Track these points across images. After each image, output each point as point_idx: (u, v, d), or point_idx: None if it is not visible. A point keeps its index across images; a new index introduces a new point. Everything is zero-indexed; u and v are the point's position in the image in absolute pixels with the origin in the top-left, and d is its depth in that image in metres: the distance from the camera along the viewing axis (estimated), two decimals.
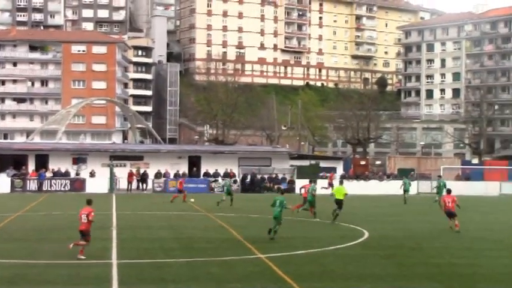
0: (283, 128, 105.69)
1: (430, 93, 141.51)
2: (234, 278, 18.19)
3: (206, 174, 61.98)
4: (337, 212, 32.62)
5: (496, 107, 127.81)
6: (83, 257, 20.67)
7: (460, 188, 54.40)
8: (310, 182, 37.13)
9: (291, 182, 61.91)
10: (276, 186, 56.75)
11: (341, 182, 39.04)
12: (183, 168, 62.79)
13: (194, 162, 64.16)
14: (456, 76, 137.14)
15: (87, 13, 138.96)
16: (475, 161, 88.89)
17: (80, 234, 21.26)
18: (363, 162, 72.91)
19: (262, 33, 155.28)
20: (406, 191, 50.49)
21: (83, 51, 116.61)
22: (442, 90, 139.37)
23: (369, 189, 60.90)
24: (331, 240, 25.69)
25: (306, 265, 20.13)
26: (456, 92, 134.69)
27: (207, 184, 60.33)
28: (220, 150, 69.57)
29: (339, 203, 32.93)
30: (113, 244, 23.98)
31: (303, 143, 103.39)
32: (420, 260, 21.46)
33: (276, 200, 27.13)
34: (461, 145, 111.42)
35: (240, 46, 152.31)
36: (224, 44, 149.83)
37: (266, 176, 62.75)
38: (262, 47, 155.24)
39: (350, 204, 45.32)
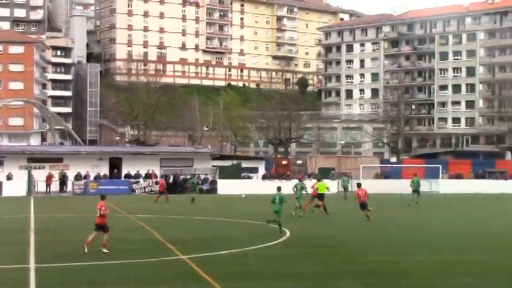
0: (205, 128, 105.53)
1: (349, 94, 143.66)
2: (161, 279, 18.04)
3: (127, 175, 61.28)
4: (323, 204, 37.18)
5: (413, 106, 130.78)
6: (106, 250, 22.07)
7: (379, 187, 55.56)
8: (318, 180, 40.75)
9: (213, 183, 61.85)
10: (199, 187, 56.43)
11: (319, 180, 41.22)
12: (104, 169, 61.90)
13: (115, 163, 63.32)
14: (375, 76, 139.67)
15: (3, 12, 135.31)
16: (393, 159, 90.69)
17: (95, 226, 22.71)
18: (284, 162, 73.43)
19: (183, 33, 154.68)
20: (345, 188, 52.86)
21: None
22: (362, 91, 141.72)
23: (290, 189, 61.22)
24: (253, 240, 25.73)
25: (227, 265, 20.12)
26: (375, 92, 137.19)
27: (128, 186, 59.67)
28: (142, 152, 68.91)
29: (322, 196, 37.26)
30: (31, 248, 23.44)
31: (225, 143, 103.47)
32: (342, 258, 21.70)
33: (275, 196, 29.27)
34: (380, 144, 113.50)
35: (161, 46, 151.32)
36: (145, 44, 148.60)
37: (188, 177, 62.48)
38: (183, 47, 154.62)
39: (271, 204, 45.53)
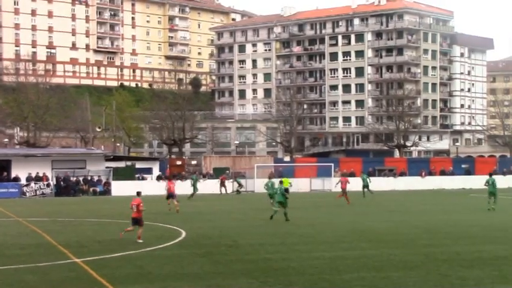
0: (98, 129, 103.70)
1: (242, 93, 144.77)
2: (48, 284, 17.64)
3: (16, 178, 59.56)
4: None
5: (305, 106, 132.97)
6: (141, 241, 24.80)
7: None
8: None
9: (107, 184, 61.03)
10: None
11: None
12: None
13: (3, 166, 61.42)
14: (267, 76, 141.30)
15: None
16: (287, 158, 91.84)
17: (132, 221, 25.66)
18: (179, 163, 73.19)
19: (73, 32, 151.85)
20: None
21: None
22: (254, 90, 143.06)
23: (186, 189, 61.27)
24: (148, 241, 25.54)
25: (122, 267, 19.91)
26: (267, 92, 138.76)
27: (18, 188, 58.12)
28: (32, 154, 67.07)
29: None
30: None
31: (118, 144, 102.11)
32: (236, 257, 21.85)
33: (277, 188, 34.12)
34: (274, 143, 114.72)
35: (50, 46, 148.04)
36: (34, 44, 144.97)
37: (81, 179, 61.44)
38: (74, 47, 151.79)
39: (166, 204, 45.39)
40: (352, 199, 45.84)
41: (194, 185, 54.08)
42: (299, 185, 62.22)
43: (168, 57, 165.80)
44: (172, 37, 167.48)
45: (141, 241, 24.86)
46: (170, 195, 41.18)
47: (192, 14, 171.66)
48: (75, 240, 26.20)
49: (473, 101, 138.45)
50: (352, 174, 68.86)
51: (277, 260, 21.19)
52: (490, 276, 18.39)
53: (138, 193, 26.72)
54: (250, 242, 25.58)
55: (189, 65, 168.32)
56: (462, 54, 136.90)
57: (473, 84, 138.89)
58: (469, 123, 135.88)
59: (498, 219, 34.58)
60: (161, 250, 23.64)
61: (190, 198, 50.81)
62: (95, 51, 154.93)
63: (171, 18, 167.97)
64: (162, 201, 41.88)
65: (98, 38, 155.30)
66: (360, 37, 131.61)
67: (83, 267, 19.77)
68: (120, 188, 58.16)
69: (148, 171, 67.32)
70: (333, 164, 68.63)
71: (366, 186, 52.37)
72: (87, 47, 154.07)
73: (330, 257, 21.70)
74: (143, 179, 64.56)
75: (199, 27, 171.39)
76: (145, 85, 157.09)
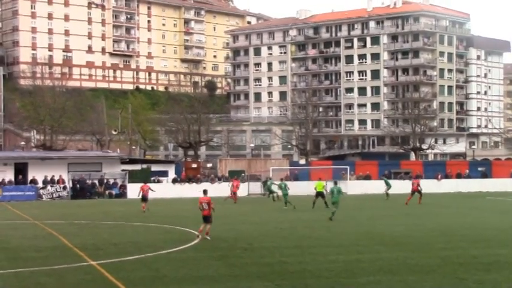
0: (114, 132, 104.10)
1: (258, 96, 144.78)
2: (64, 287, 17.73)
3: (33, 181, 59.87)
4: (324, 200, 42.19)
5: (321, 109, 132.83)
6: (208, 238, 26.68)
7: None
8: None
9: (123, 187, 61.22)
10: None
11: (320, 179, 47.39)
12: (9, 175, 60.29)
13: (20, 169, 61.77)
14: (282, 79, 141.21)
15: None
16: (302, 161, 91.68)
17: (203, 218, 27.27)
18: (194, 165, 73.30)
19: (89, 36, 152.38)
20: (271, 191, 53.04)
21: None
22: (270, 93, 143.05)
23: (201, 192, 61.28)
24: (164, 244, 25.61)
25: (137, 270, 19.96)
26: (283, 95, 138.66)
27: (35, 191, 58.42)
28: (49, 156, 67.38)
29: (321, 194, 43.02)
30: None
31: (134, 147, 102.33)
32: (252, 260, 21.84)
33: (333, 189, 35.80)
34: (289, 146, 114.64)
35: (67, 49, 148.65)
36: (50, 47, 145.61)
37: (97, 181, 61.67)
38: (90, 50, 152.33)
39: (182, 207, 45.57)
40: (370, 202, 45.71)
41: (269, 188, 54.02)
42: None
43: (183, 60, 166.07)
44: (187, 40, 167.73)
45: (208, 238, 26.67)
46: (144, 197, 43.28)
47: (208, 17, 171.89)
48: (91, 243, 26.30)
49: (489, 103, 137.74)
50: (368, 177, 68.85)
51: (293, 263, 21.18)
52: (508, 280, 18.29)
53: (205, 191, 28.94)
54: (266, 245, 25.58)
55: (204, 68, 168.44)
56: (478, 57, 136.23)
57: (489, 86, 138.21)
58: (486, 126, 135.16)
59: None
60: (177, 253, 23.69)
61: (275, 201, 51.06)
62: (111, 54, 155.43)
63: (187, 21, 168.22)
64: (178, 204, 41.95)
65: (114, 41, 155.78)
66: (375, 40, 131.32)
67: (99, 270, 19.84)
68: (136, 191, 57.90)
69: (164, 174, 67.42)
70: (348, 167, 68.41)
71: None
72: (103, 50, 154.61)
73: (345, 260, 21.66)
74: (159, 181, 64.69)
75: (214, 30, 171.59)
76: (161, 88, 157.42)
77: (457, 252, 23.46)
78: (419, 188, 47.33)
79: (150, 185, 48.58)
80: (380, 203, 47.67)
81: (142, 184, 45.99)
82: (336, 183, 37.66)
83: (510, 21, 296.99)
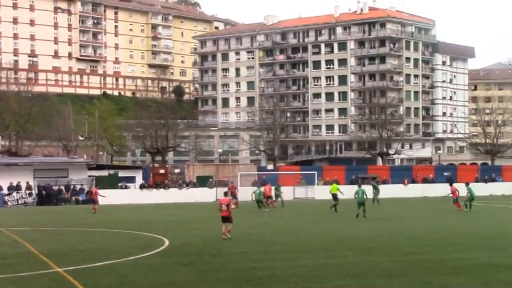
0: (81, 138, 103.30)
1: (226, 102, 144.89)
2: None
3: None
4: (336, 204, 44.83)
5: (288, 114, 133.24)
6: (229, 236, 28.43)
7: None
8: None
9: (90, 193, 60.74)
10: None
11: (337, 182, 53.26)
12: None
13: None
14: (250, 85, 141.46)
15: None
16: (270, 166, 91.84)
17: (222, 219, 28.70)
18: (162, 171, 73.02)
19: (56, 41, 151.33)
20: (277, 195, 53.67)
21: None
22: (238, 99, 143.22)
23: (169, 198, 61.24)
24: (131, 250, 25.46)
25: (104, 277, 19.80)
26: (251, 100, 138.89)
27: (0, 198, 57.73)
28: (14, 162, 66.67)
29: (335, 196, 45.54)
30: None
31: (101, 153, 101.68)
32: (220, 266, 21.78)
33: (359, 190, 39.83)
34: (257, 152, 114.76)
35: (32, 54, 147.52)
36: (15, 52, 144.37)
37: (63, 188, 61.14)
38: (56, 55, 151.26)
39: (150, 213, 45.36)
40: (338, 207, 45.88)
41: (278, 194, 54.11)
42: (282, 193, 62.09)
43: (151, 66, 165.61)
44: (155, 45, 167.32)
45: (229, 236, 28.48)
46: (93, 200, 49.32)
47: (175, 22, 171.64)
48: (57, 250, 26.05)
49: (455, 109, 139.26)
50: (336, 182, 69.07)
51: (261, 268, 21.17)
52: (474, 283, 18.47)
53: (226, 193, 31.37)
54: (234, 250, 25.55)
55: (172, 73, 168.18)
56: (444, 63, 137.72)
57: (455, 92, 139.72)
58: (451, 131, 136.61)
59: (480, 227, 34.77)
60: (144, 259, 23.55)
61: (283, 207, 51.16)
62: (78, 59, 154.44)
63: (154, 27, 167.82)
64: (146, 210, 41.74)
65: (81, 46, 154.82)
66: (342, 45, 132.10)
67: (65, 277, 19.64)
68: (102, 197, 57.81)
69: (132, 179, 67.11)
70: (316, 172, 68.69)
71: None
72: (70, 56, 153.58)
73: (313, 265, 21.71)
74: (126, 187, 64.39)
75: (182, 35, 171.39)
76: (129, 93, 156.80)
77: (423, 256, 23.65)
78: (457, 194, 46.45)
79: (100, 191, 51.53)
80: (347, 208, 47.81)
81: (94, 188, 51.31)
82: (359, 186, 41.78)
83: (474, 27, 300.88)
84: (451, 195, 46.24)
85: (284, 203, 52.44)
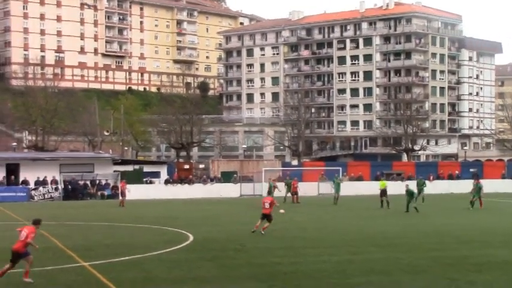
0: (106, 133, 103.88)
1: (250, 97, 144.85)
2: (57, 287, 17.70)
3: (24, 182, 59.67)
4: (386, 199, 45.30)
5: (313, 110, 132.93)
6: (262, 233, 28.69)
7: (281, 189, 55.90)
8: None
9: (115, 188, 61.07)
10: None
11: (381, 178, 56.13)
12: (0, 176, 60.04)
13: (12, 170, 61.52)
14: (275, 80, 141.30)
15: None
16: (295, 162, 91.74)
17: (262, 215, 29.28)
18: (186, 166, 73.21)
19: (82, 37, 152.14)
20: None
21: None
22: (262, 94, 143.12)
23: (193, 193, 61.37)
24: (156, 245, 25.57)
25: (129, 271, 19.91)
26: (275, 96, 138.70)
27: (26, 192, 58.24)
28: (41, 157, 67.16)
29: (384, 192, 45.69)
30: None
31: (126, 148, 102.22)
32: (244, 261, 21.82)
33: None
34: (281, 147, 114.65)
35: (59, 50, 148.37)
36: (42, 48, 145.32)
37: (89, 182, 61.54)
38: (82, 51, 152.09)
39: (174, 208, 45.54)
40: (362, 203, 45.71)
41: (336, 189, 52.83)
42: (307, 188, 62.09)
43: (176, 61, 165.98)
44: (180, 41, 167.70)
45: (263, 232, 28.69)
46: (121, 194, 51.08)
47: (200, 18, 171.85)
48: (83, 244, 26.24)
49: (481, 105, 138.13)
50: (360, 178, 68.98)
51: (285, 263, 21.18)
52: (499, 280, 18.33)
53: (269, 192, 32.84)
54: (258, 246, 25.56)
55: (197, 69, 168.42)
56: (470, 58, 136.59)
57: (481, 88, 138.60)
58: (478, 127, 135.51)
59: (503, 224, 34.49)
60: (168, 254, 23.65)
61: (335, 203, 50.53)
62: (103, 55, 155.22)
63: (179, 22, 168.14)
64: (170, 205, 41.86)
65: (107, 42, 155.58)
66: (368, 41, 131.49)
67: (91, 271, 19.79)
68: (128, 192, 58.10)
69: (156, 175, 67.32)
70: (340, 168, 68.45)
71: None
72: (96, 51, 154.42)
73: (337, 261, 21.68)
74: (151, 182, 64.64)
75: (207, 31, 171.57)
76: (154, 89, 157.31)
77: (448, 253, 23.52)
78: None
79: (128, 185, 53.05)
80: (372, 204, 47.62)
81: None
82: (407, 186, 42.93)
83: (501, 22, 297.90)
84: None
85: (337, 199, 50.85)
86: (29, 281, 18.03)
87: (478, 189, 44.52)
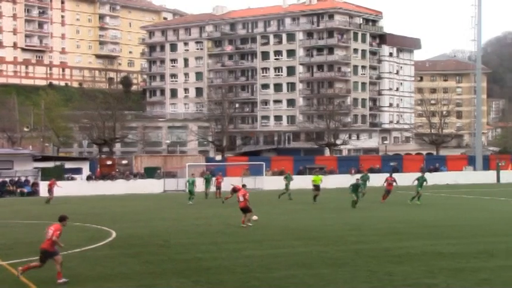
0: (26, 129, 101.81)
1: (174, 93, 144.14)
2: None
3: None
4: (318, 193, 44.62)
5: (237, 105, 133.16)
6: (250, 224, 29.56)
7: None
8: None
9: (35, 185, 59.95)
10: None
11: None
12: None
13: None
14: (199, 75, 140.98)
15: None
16: (219, 157, 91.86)
17: (241, 210, 30.12)
18: (109, 162, 72.50)
19: (0, 30, 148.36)
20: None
21: None
22: (186, 90, 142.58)
23: (116, 189, 60.81)
24: (78, 242, 25.20)
25: (50, 269, 19.50)
26: (199, 91, 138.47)
27: None
28: None
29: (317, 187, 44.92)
30: None
31: (47, 144, 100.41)
32: (168, 257, 21.74)
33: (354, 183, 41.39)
34: (205, 143, 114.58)
35: None
36: None
37: (8, 180, 60.18)
38: (0, 45, 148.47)
39: (97, 204, 45.00)
40: (285, 197, 46.01)
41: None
42: (230, 183, 62.21)
43: (98, 56, 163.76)
44: (102, 36, 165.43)
45: (250, 224, 29.64)
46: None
47: (123, 12, 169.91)
48: (2, 243, 25.71)
49: (401, 99, 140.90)
50: (283, 173, 69.47)
51: (209, 259, 21.20)
52: (418, 271, 18.78)
53: (244, 185, 32.63)
54: (182, 242, 25.51)
55: (119, 64, 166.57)
56: (391, 54, 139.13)
57: (401, 83, 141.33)
58: (398, 122, 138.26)
59: (424, 216, 35.33)
60: (91, 251, 23.37)
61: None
62: (23, 49, 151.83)
63: (102, 17, 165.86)
64: (93, 202, 41.34)
65: (26, 36, 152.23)
66: (291, 36, 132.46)
67: (9, 270, 19.37)
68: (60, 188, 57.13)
69: (78, 171, 66.44)
70: (264, 163, 68.90)
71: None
72: (15, 45, 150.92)
73: (261, 255, 21.80)
74: (73, 179, 63.71)
75: (130, 25, 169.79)
76: (75, 84, 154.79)
77: (369, 245, 23.96)
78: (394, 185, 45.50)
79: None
80: (296, 198, 48.05)
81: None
82: (357, 180, 42.84)
83: (420, 19, 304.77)
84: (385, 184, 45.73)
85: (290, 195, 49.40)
86: (63, 281, 17.59)
87: (421, 182, 44.27)
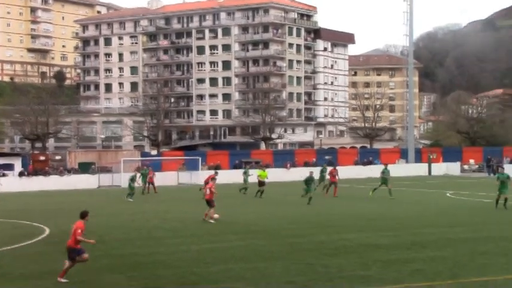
0: None
1: (109, 87, 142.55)
2: None
3: None
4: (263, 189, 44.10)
5: (172, 99, 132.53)
6: (212, 221, 29.05)
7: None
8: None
9: None
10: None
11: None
12: None
13: None
14: (134, 70, 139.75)
15: None
16: (154, 152, 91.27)
17: (206, 202, 29.99)
18: (42, 158, 71.27)
19: None
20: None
21: None
22: (121, 84, 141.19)
23: (50, 185, 59.83)
24: (9, 239, 24.72)
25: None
26: (134, 86, 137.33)
27: None
28: None
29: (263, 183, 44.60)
30: None
31: None
32: (103, 252, 21.48)
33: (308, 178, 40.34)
34: (141, 137, 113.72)
35: None
36: None
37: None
38: None
39: (29, 201, 44.19)
40: (222, 191, 45.96)
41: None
42: (166, 178, 62.05)
43: (30, 50, 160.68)
44: (34, 29, 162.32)
45: (212, 221, 29.01)
46: None
47: (56, 5, 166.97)
48: None
49: (336, 94, 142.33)
50: (218, 167, 69.43)
51: (145, 254, 21.07)
52: (352, 263, 19.02)
53: (213, 179, 31.57)
54: (117, 237, 25.30)
55: (52, 58, 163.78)
56: (325, 49, 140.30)
57: (336, 77, 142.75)
58: (332, 116, 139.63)
59: (358, 209, 35.80)
60: (24, 248, 22.96)
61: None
62: None
63: (34, 10, 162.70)
64: (25, 198, 40.64)
65: None
66: (226, 31, 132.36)
67: None
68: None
69: (10, 167, 65.09)
70: (200, 158, 68.76)
71: None
72: None
73: (197, 250, 21.79)
74: (4, 175, 62.40)
75: (63, 19, 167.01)
76: (6, 78, 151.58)
77: (305, 238, 24.16)
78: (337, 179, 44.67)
79: None
80: (231, 192, 48.06)
81: None
82: (311, 173, 41.09)
83: (353, 14, 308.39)
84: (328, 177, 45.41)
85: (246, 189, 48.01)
86: (63, 281, 17.28)
87: (387, 173, 42.98)
